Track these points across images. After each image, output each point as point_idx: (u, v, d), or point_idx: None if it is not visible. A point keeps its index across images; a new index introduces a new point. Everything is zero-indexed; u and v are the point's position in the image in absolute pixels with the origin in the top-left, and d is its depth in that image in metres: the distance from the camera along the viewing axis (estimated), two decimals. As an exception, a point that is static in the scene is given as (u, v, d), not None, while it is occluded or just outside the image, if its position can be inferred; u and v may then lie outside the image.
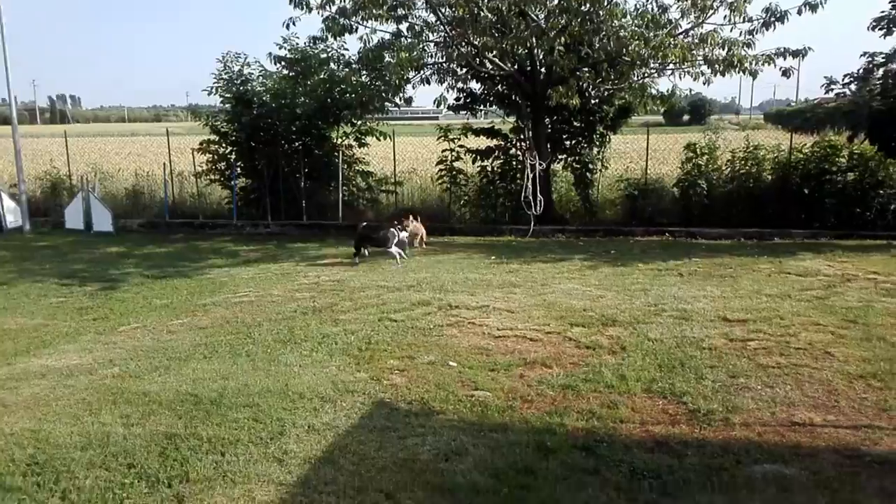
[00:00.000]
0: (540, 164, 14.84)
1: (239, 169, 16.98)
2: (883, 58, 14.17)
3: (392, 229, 12.50)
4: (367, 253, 12.67)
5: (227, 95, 16.34)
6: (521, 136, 15.84)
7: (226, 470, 4.72)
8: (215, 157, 16.99)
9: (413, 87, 16.05)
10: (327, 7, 14.33)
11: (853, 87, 14.55)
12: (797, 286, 9.51)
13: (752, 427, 5.13)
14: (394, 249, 12.26)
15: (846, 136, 14.77)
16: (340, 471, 4.68)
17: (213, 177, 17.27)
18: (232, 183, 17.02)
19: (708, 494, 4.21)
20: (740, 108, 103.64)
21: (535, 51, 14.69)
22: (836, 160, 14.47)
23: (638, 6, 14.61)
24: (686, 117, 70.66)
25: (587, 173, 16.10)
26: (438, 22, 14.85)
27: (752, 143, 15.33)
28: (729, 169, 15.26)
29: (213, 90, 16.38)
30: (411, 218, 13.56)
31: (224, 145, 16.93)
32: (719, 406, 5.51)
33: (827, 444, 4.80)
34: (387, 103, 16.34)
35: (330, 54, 16.17)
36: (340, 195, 16.29)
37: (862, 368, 6.17)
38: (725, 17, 13.55)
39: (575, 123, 16.21)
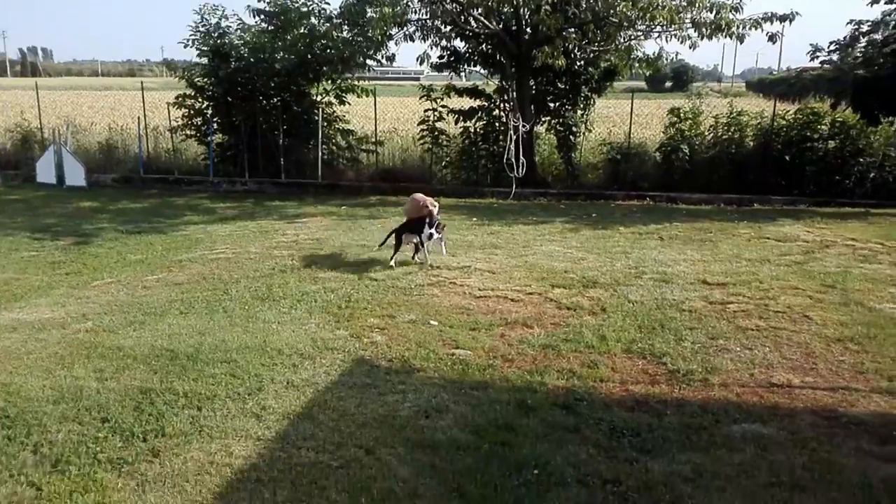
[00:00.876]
0: (523, 126, 14.67)
1: (216, 125, 16.59)
2: (868, 26, 14.15)
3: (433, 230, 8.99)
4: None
5: (204, 49, 15.88)
6: (505, 97, 15.63)
7: (202, 425, 4.65)
8: (191, 112, 16.55)
9: (396, 45, 15.70)
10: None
11: (837, 55, 14.53)
12: (776, 251, 9.56)
13: (731, 388, 5.16)
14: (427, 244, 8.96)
15: (829, 103, 14.76)
16: (320, 426, 4.63)
17: (188, 132, 16.85)
18: (208, 139, 16.63)
19: (687, 452, 4.23)
20: (722, 76, 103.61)
21: (522, 9, 14.41)
22: (818, 127, 14.47)
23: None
24: (668, 84, 70.43)
25: (570, 136, 15.96)
26: (423, -24, 14.50)
27: (735, 109, 15.28)
28: (711, 135, 15.22)
29: (190, 43, 15.91)
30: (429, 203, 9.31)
31: (200, 100, 16.49)
32: (698, 367, 5.54)
33: (805, 405, 4.85)
34: (368, 60, 15.99)
35: (310, 8, 15.75)
36: (320, 153, 16.02)
37: (839, 332, 6.22)
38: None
39: (559, 85, 16.01)
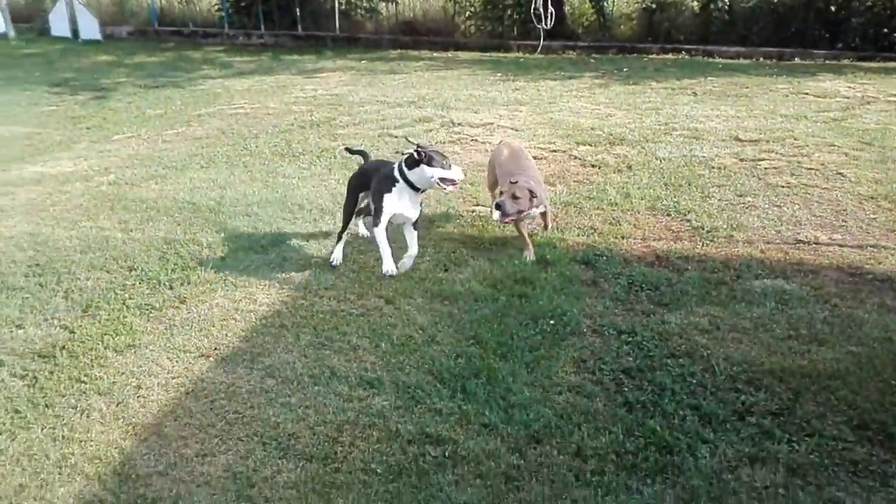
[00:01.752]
0: (553, -27, 13.75)
1: (228, -28, 15.82)
2: None
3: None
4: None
5: None
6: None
7: (226, 274, 4.73)
8: (203, -42, 15.75)
9: None
10: None
11: None
12: (814, 107, 9.14)
13: (756, 244, 5.08)
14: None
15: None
16: (340, 277, 4.69)
17: (201, -20, 16.13)
18: (222, -13, 15.93)
19: (705, 306, 4.23)
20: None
21: None
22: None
23: None
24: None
25: (603, -16, 14.98)
26: None
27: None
28: (755, -18, 14.16)
29: None
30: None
31: (212, -55, 15.64)
32: (724, 224, 5.43)
33: (830, 262, 4.77)
34: None
35: None
36: (336, 3, 15.28)
37: (873, 190, 6.02)
38: None
39: (594, -74, 14.83)
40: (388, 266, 4.46)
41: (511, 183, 4.80)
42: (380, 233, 4.47)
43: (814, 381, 3.40)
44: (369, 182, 4.72)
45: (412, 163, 4.40)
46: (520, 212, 4.76)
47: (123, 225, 5.61)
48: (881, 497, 2.69)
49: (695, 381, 3.46)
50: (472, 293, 4.47)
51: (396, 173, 4.47)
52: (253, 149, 7.62)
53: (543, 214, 5.26)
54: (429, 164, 4.35)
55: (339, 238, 4.92)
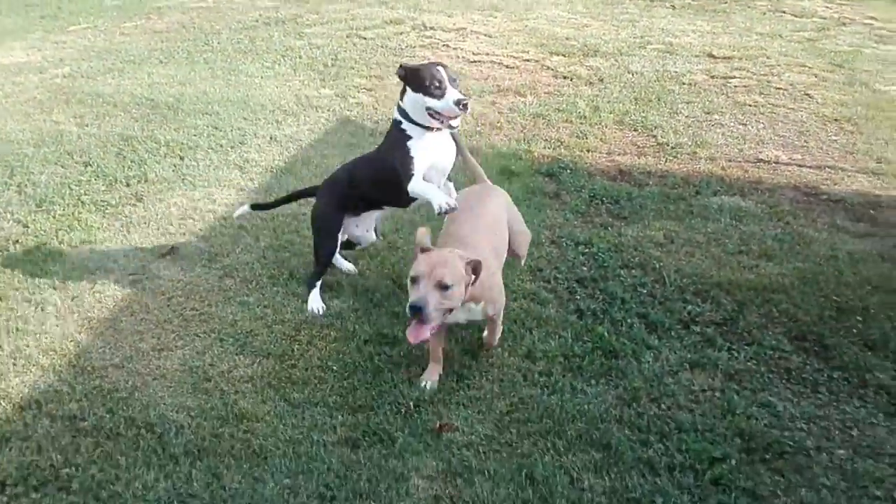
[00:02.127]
0: None
1: None
2: None
3: None
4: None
5: None
6: None
7: (185, 173, 4.65)
8: None
9: None
10: None
11: None
12: (790, 27, 9.03)
13: (718, 161, 5.12)
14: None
15: None
16: (302, 181, 4.63)
17: None
18: None
19: (662, 220, 4.30)
20: None
21: None
22: None
23: None
24: None
25: None
26: None
27: None
28: None
29: None
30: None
31: None
32: (689, 140, 5.45)
33: (788, 182, 4.85)
34: None
35: None
36: None
37: (838, 112, 6.06)
38: None
39: None
40: (440, 200, 2.94)
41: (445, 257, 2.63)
42: (417, 183, 3.06)
43: (759, 294, 3.52)
44: (353, 194, 3.36)
45: (402, 91, 3.12)
46: (448, 311, 2.66)
47: (79, 119, 5.43)
48: (809, 402, 2.84)
49: (645, 292, 3.56)
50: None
51: (397, 113, 3.15)
52: (215, 45, 7.34)
53: (491, 321, 3.05)
54: (416, 88, 3.01)
55: (312, 285, 3.43)
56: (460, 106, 2.95)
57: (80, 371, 2.93)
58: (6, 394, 2.79)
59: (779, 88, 6.61)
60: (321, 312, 3.36)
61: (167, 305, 3.37)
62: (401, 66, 3.09)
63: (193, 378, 2.91)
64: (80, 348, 3.07)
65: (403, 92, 3.11)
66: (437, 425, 2.70)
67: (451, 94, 2.96)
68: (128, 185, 4.48)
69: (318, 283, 3.44)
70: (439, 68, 3.01)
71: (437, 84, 2.96)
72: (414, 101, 3.04)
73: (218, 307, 3.37)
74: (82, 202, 4.25)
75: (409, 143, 3.07)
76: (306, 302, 3.39)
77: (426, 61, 3.27)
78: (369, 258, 3.81)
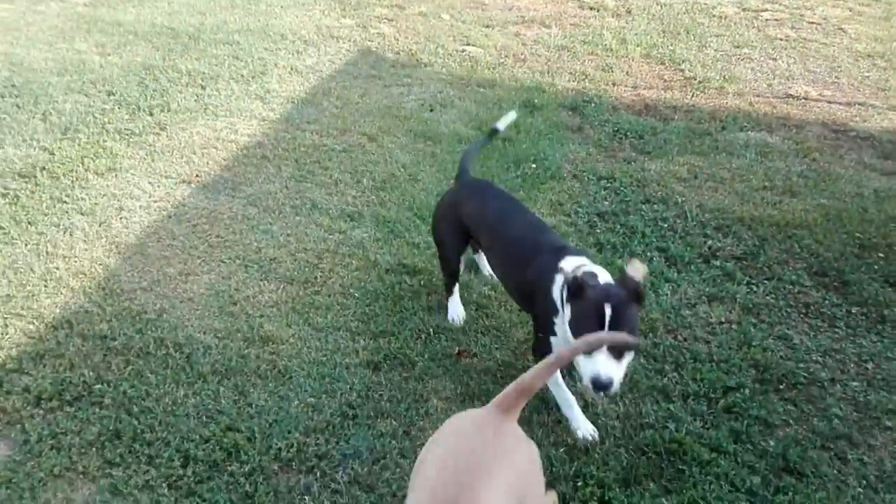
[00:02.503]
0: None
1: None
2: None
3: None
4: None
5: None
6: None
7: (207, 103, 4.65)
8: None
9: None
10: None
11: None
12: (829, -42, 8.66)
13: (746, 97, 5.02)
14: None
15: None
16: (323, 112, 4.63)
17: None
18: None
19: (686, 155, 4.25)
20: None
21: None
22: None
23: None
24: None
25: None
26: None
27: None
28: None
29: None
30: None
31: None
32: (717, 74, 5.33)
33: (817, 118, 4.75)
34: None
35: None
36: None
37: (871, 48, 5.87)
38: None
39: None
40: (584, 429, 2.38)
41: None
42: (557, 386, 2.43)
43: (781, 230, 3.50)
44: (474, 217, 2.73)
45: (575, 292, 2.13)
46: None
47: (100, 48, 5.42)
48: (826, 335, 2.86)
49: (666, 226, 3.55)
50: (457, 134, 4.45)
51: (555, 290, 2.28)
52: (234, -26, 7.20)
53: None
54: (571, 316, 2.14)
55: (450, 292, 2.98)
56: (595, 386, 1.99)
57: (109, 293, 3.02)
58: (38, 314, 2.88)
59: (811, 23, 6.40)
60: (458, 321, 2.94)
61: (192, 232, 3.43)
62: (575, 277, 2.12)
63: (219, 302, 2.99)
64: (109, 272, 3.15)
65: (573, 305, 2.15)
66: (457, 351, 2.77)
67: (597, 366, 1.98)
68: (151, 114, 4.49)
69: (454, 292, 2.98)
70: (608, 307, 2.00)
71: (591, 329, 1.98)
72: (564, 329, 2.21)
73: (242, 235, 3.42)
74: (106, 130, 4.28)
75: (554, 319, 2.30)
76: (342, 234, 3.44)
77: (600, 283, 2.12)
78: (390, 190, 3.83)
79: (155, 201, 3.66)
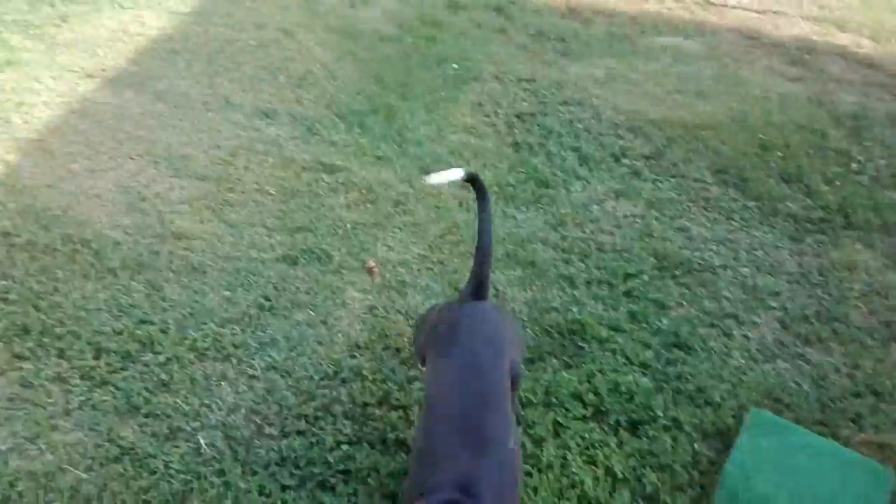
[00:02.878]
0: None
1: None
2: None
3: None
4: None
5: None
6: None
7: (112, -5, 4.38)
8: None
9: None
10: None
11: None
12: None
13: (666, 2, 5.06)
14: None
15: None
16: (238, 6, 4.44)
17: None
18: None
19: (605, 58, 4.30)
20: None
21: None
22: None
23: None
24: None
25: None
26: None
27: None
28: None
29: None
30: None
31: None
32: (640, -21, 5.34)
33: (732, 25, 4.85)
34: None
35: None
36: None
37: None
38: None
39: None
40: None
41: None
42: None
43: (688, 131, 3.63)
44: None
45: None
46: None
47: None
48: (723, 227, 3.04)
49: (580, 127, 3.63)
50: (378, 32, 4.35)
51: None
52: None
53: None
54: None
55: None
56: None
57: (11, 190, 2.90)
58: (-65, 211, 2.76)
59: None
60: None
61: (98, 128, 3.29)
62: None
63: (128, 198, 2.92)
64: (10, 168, 3.01)
65: None
66: (367, 267, 2.75)
67: None
68: (52, 5, 4.20)
69: None
70: None
71: None
72: None
73: (151, 131, 3.31)
74: (3, 21, 3.99)
75: None
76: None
77: None
78: (308, 87, 3.75)
79: (58, 96, 3.48)
